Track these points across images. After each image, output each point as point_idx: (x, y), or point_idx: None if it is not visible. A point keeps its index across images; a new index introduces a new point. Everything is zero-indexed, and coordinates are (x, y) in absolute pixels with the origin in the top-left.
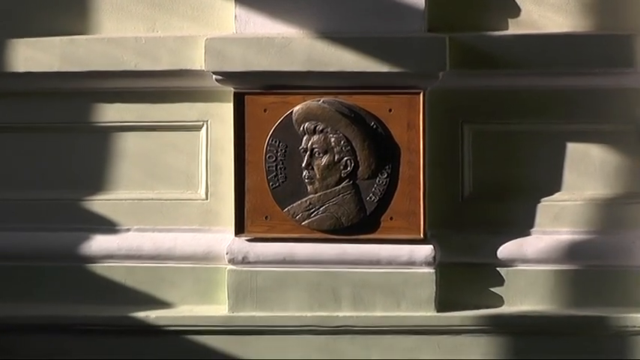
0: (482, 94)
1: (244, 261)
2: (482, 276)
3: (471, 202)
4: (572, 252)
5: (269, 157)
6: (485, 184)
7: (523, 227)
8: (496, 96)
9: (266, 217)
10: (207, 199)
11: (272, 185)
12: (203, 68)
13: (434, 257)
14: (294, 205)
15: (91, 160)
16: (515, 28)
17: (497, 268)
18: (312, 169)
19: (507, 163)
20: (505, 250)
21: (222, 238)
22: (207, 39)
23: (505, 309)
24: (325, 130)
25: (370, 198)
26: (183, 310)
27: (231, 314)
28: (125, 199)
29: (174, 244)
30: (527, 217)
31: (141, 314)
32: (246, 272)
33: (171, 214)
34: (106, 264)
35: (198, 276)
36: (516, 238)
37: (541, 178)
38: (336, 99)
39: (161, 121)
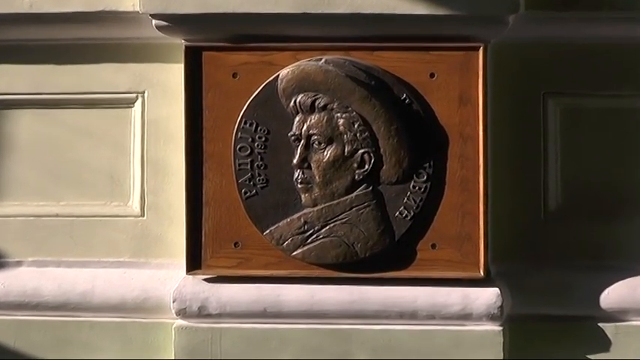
0: (577, 50)
1: (202, 313)
2: (576, 335)
3: (559, 220)
4: None
5: (241, 148)
6: (582, 191)
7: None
8: (598, 53)
9: (236, 245)
10: (142, 215)
11: (245, 193)
12: (137, 9)
13: (500, 307)
14: (281, 224)
15: None
16: None
17: (600, 324)
18: (309, 167)
19: (616, 159)
20: (612, 296)
21: (166, 276)
22: None
23: None
24: (330, 107)
25: (401, 213)
26: None
27: None
28: (14, 216)
29: (92, 285)
30: None
31: None
32: (205, 330)
33: (88, 239)
34: None
35: (130, 335)
36: (629, 276)
37: None
38: (347, 57)
39: (71, 93)
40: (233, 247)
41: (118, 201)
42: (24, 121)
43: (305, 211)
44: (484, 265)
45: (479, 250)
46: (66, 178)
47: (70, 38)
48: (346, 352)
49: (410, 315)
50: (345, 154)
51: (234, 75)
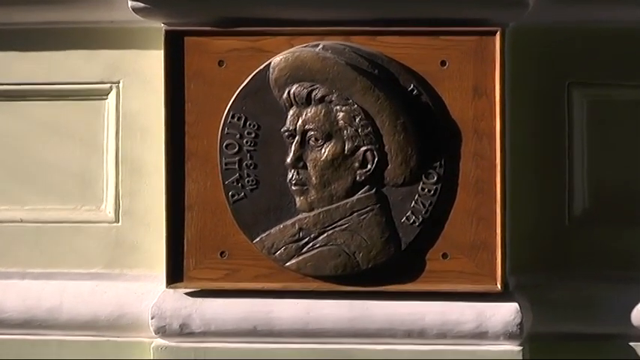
0: (605, 35)
1: (184, 331)
2: (605, 355)
3: (586, 226)
4: None
5: (228, 145)
6: (611, 194)
7: None
8: (630, 39)
9: (222, 254)
10: (117, 220)
11: (233, 196)
12: None
13: (520, 324)
14: (273, 231)
15: None
16: None
17: (631, 343)
18: (305, 167)
19: None
20: None
21: (143, 289)
22: None
23: None
24: (328, 99)
25: (408, 219)
26: None
27: None
28: None
29: (60, 301)
30: None
31: None
32: (188, 351)
33: (56, 248)
34: None
35: (103, 356)
36: None
37: None
38: (347, 43)
39: (37, 84)
40: (219, 256)
41: (90, 205)
42: None
43: (300, 216)
44: (501, 277)
45: (495, 260)
46: (31, 179)
47: (36, 22)
48: None
49: (418, 333)
50: (345, 152)
51: (221, 63)
